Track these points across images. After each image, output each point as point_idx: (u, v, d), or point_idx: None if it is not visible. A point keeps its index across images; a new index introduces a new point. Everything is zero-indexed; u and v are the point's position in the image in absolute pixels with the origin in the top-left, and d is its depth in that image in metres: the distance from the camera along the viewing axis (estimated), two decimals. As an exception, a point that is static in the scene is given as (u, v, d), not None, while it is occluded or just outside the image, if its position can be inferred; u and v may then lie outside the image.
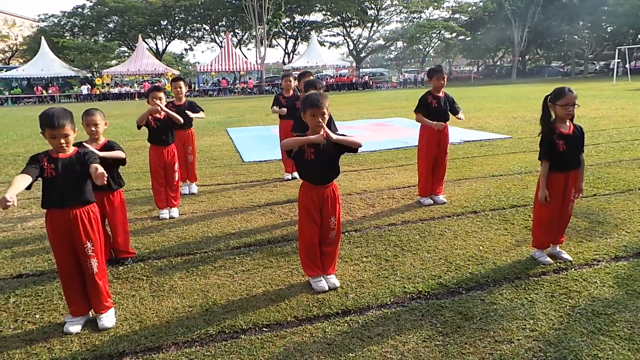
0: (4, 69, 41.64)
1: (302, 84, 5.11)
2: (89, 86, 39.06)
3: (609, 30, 46.15)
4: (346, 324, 2.75)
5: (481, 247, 3.82)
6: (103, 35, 51.15)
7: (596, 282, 3.13)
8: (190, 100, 6.07)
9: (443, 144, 5.01)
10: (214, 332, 2.73)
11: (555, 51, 53.62)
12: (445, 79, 4.89)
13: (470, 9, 53.94)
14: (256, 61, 44.07)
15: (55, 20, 50.48)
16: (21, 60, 51.00)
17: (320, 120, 2.92)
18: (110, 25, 50.91)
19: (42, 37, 41.90)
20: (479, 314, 2.80)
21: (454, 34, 52.53)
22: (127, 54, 49.33)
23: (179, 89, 5.74)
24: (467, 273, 3.36)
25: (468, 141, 9.06)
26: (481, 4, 52.76)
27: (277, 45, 56.16)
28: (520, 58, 51.19)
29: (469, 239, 4.01)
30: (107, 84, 38.80)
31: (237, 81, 42.34)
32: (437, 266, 3.50)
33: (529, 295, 3.00)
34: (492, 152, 7.93)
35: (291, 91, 6.37)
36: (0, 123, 18.12)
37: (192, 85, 42.66)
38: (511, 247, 3.82)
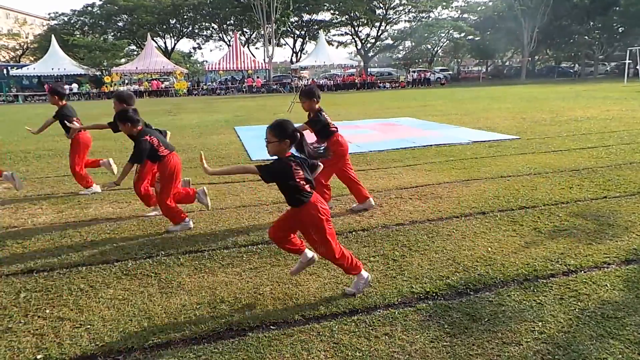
0: (15, 67, 42.04)
1: None
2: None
3: (620, 31, 45.68)
4: (353, 324, 2.75)
5: (489, 248, 3.80)
6: (112, 33, 51.59)
7: (606, 285, 3.10)
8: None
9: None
10: (221, 330, 2.74)
11: (565, 52, 53.19)
12: (304, 103, 4.65)
13: (479, 8, 53.71)
14: (264, 60, 44.17)
15: (66, 19, 50.99)
16: (32, 58, 51.48)
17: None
18: (120, 23, 51.34)
19: (53, 36, 42.30)
20: (486, 315, 2.78)
21: (462, 34, 52.30)
22: (136, 53, 49.65)
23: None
24: (475, 274, 3.34)
25: (476, 142, 9.01)
26: (490, 3, 52.53)
27: (285, 44, 56.31)
28: (529, 58, 50.86)
29: (477, 240, 4.00)
30: (116, 82, 39.07)
31: (245, 79, 42.43)
32: (445, 267, 3.49)
33: (538, 298, 2.98)
34: (500, 152, 7.88)
35: None
36: (11, 120, 18.32)
37: (200, 84, 42.82)
38: (520, 248, 3.79)
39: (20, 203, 5.68)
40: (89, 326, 2.82)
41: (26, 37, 55.86)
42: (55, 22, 51.36)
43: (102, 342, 2.64)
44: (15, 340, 2.69)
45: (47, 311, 3.02)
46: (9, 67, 41.62)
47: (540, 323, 2.68)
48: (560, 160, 7.06)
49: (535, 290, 3.08)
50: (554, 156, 7.37)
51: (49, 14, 52.57)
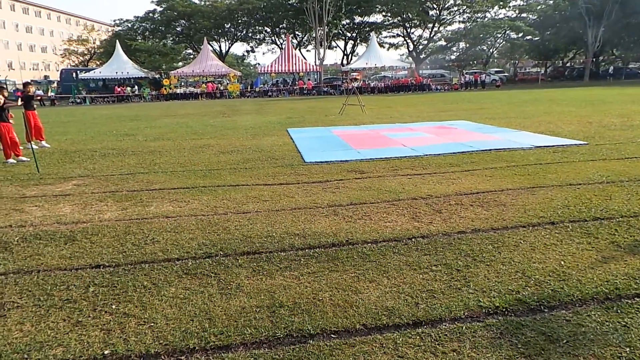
0: (84, 71, 44.80)
1: None
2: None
3: (699, 29, 42.14)
4: (418, 337, 2.62)
5: (562, 262, 3.54)
6: (171, 38, 53.80)
7: (703, 308, 2.78)
8: None
9: None
10: (281, 335, 2.70)
11: (635, 52, 49.71)
12: None
13: (539, 7, 51.28)
14: (315, 62, 44.42)
15: (129, 25, 53.72)
16: (98, 63, 54.67)
17: None
18: (178, 28, 53.42)
19: (117, 41, 44.67)
20: (565, 337, 2.56)
21: (520, 34, 50.14)
22: (192, 56, 51.53)
23: None
24: (549, 290, 3.11)
25: (539, 147, 8.55)
26: (551, 2, 50.01)
27: (336, 47, 56.38)
28: (593, 59, 47.99)
29: (548, 252, 3.73)
30: (175, 85, 40.67)
31: (296, 81, 42.85)
32: (514, 280, 3.27)
33: (623, 319, 2.71)
34: (567, 159, 7.41)
35: None
36: (79, 121, 19.46)
37: (253, 86, 43.73)
38: (597, 263, 3.50)
39: (89, 200, 5.96)
40: (152, 324, 2.87)
41: (94, 43, 59.36)
42: (120, 28, 54.29)
43: (166, 341, 2.67)
44: (84, 334, 2.77)
45: (114, 307, 3.10)
46: (78, 71, 44.35)
47: (627, 348, 2.44)
48: (636, 167, 6.53)
49: (619, 310, 2.81)
50: (629, 163, 6.83)
51: (114, 20, 55.72)
